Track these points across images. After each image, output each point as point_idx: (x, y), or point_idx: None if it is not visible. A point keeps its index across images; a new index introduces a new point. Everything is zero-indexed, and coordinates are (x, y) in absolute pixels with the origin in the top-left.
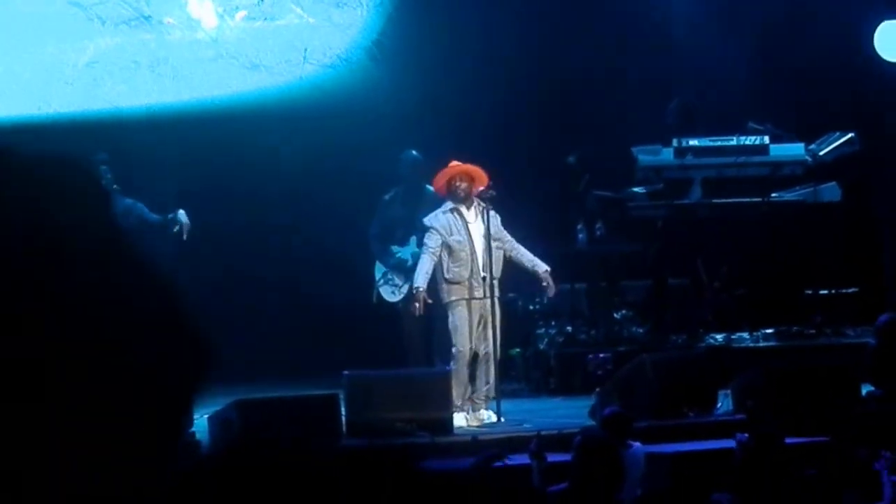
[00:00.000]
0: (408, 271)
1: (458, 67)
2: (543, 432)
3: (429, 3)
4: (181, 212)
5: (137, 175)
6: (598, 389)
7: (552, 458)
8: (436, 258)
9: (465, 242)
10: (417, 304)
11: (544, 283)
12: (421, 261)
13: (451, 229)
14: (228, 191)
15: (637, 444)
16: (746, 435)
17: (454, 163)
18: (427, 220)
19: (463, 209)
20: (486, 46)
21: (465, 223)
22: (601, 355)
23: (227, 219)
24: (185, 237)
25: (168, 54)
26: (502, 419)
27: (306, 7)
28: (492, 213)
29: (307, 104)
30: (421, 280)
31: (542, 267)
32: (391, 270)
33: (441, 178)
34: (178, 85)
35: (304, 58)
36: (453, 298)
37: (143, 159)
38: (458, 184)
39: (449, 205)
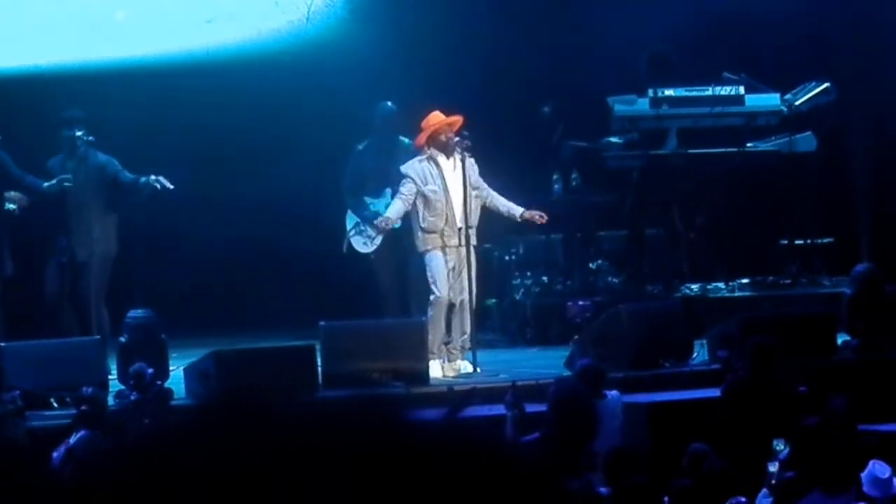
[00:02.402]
0: None
1: (432, 17)
2: (519, 383)
3: None
4: (160, 177)
5: (111, 129)
6: (575, 338)
7: (528, 408)
8: (408, 205)
9: (441, 192)
10: (378, 228)
11: (528, 218)
12: (393, 203)
13: (426, 178)
14: (201, 143)
15: (613, 393)
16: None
17: (436, 114)
18: (403, 168)
19: (441, 158)
20: None
21: (441, 172)
22: (581, 303)
23: (200, 171)
24: (169, 186)
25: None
26: (478, 369)
27: None
28: (470, 161)
29: (281, 54)
30: (392, 213)
31: (517, 210)
32: (364, 221)
33: (426, 133)
34: (151, 36)
35: (276, 4)
36: (429, 247)
37: (117, 113)
38: (444, 135)
39: (425, 154)
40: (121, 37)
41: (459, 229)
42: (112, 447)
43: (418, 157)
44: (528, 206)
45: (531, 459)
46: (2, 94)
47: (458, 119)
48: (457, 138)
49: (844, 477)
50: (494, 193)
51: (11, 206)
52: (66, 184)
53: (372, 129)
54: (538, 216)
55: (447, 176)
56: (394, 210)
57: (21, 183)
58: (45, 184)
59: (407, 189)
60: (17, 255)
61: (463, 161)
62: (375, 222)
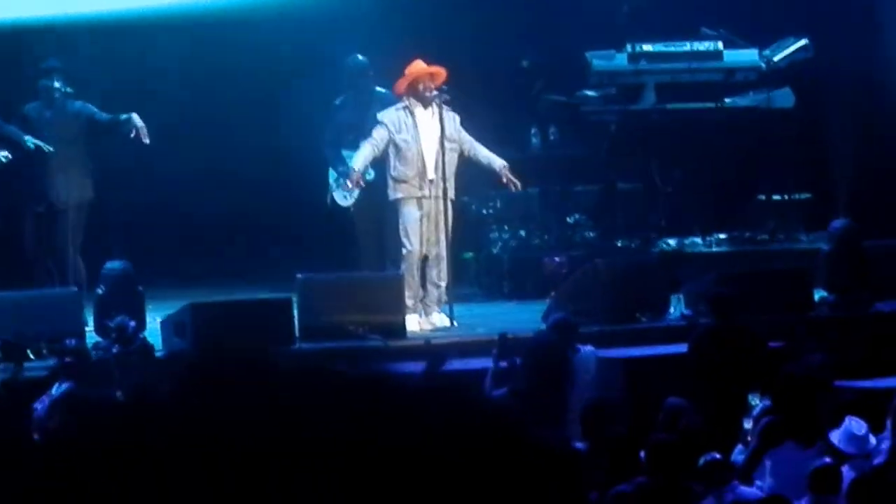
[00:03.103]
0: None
1: None
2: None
3: None
4: (134, 115)
5: (90, 83)
6: (552, 294)
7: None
8: (376, 150)
9: (412, 142)
10: (350, 183)
11: (504, 179)
12: (360, 148)
13: (399, 126)
14: (182, 96)
15: (587, 348)
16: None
17: (418, 63)
18: (379, 115)
19: (418, 108)
20: None
21: (416, 122)
22: (556, 259)
23: (181, 124)
24: (145, 140)
25: None
26: (455, 323)
27: None
28: (451, 113)
29: (262, 8)
30: (358, 163)
31: (497, 162)
32: (342, 175)
33: (405, 80)
34: None
35: None
36: (399, 196)
37: (97, 64)
38: (423, 84)
39: (403, 103)
40: None
41: (430, 181)
42: (102, 402)
43: (395, 106)
44: (505, 160)
45: (507, 414)
46: None
47: (439, 70)
48: (436, 91)
49: (816, 430)
50: (478, 144)
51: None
52: (48, 149)
53: (346, 84)
54: (512, 182)
55: (422, 127)
56: (360, 155)
57: (1, 131)
58: (28, 139)
59: (378, 134)
60: None
61: (441, 114)
62: (345, 180)
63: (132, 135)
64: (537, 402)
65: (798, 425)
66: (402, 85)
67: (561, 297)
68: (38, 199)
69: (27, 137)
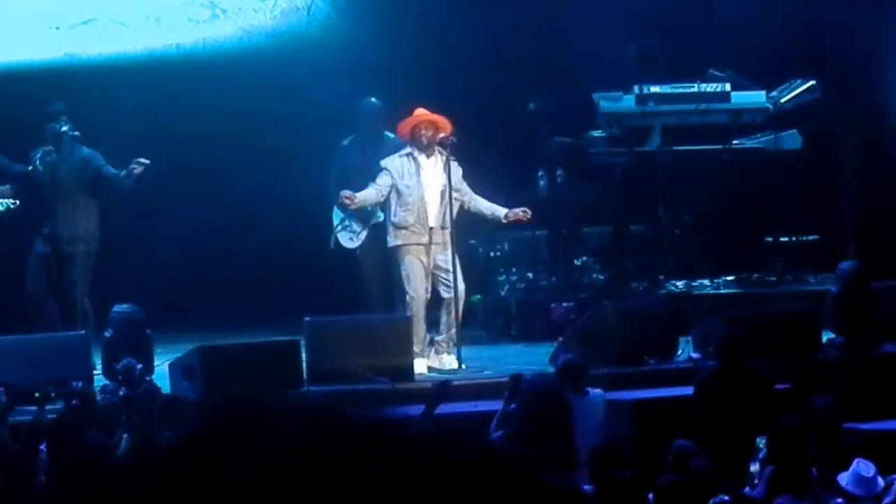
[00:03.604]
0: (365, 217)
1: (418, 14)
2: (504, 378)
3: None
4: (133, 163)
5: (96, 124)
6: (560, 339)
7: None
8: (380, 195)
9: (415, 188)
10: (343, 199)
11: (512, 218)
12: (366, 189)
13: (402, 173)
14: (187, 139)
15: (596, 391)
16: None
17: (420, 110)
18: (383, 161)
19: (421, 157)
20: None
21: (419, 169)
22: (564, 304)
23: (187, 166)
24: (141, 166)
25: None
26: (463, 366)
27: None
28: (454, 163)
29: (267, 51)
30: (360, 195)
31: (501, 211)
32: (349, 217)
33: (406, 125)
34: (138, 32)
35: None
36: (399, 243)
37: (102, 108)
38: (422, 132)
39: (406, 150)
40: (109, 33)
41: (431, 228)
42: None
43: (399, 152)
44: (512, 204)
45: (513, 457)
46: None
47: (440, 119)
48: (441, 138)
49: (808, 482)
50: (477, 197)
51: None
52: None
53: (356, 126)
54: (521, 212)
55: (424, 174)
56: (364, 194)
57: (7, 171)
58: (31, 167)
59: (382, 180)
60: (1, 249)
61: (448, 162)
62: (341, 193)
63: (135, 172)
64: (532, 445)
65: (792, 478)
66: (402, 130)
67: (569, 339)
68: (45, 243)
69: (31, 167)
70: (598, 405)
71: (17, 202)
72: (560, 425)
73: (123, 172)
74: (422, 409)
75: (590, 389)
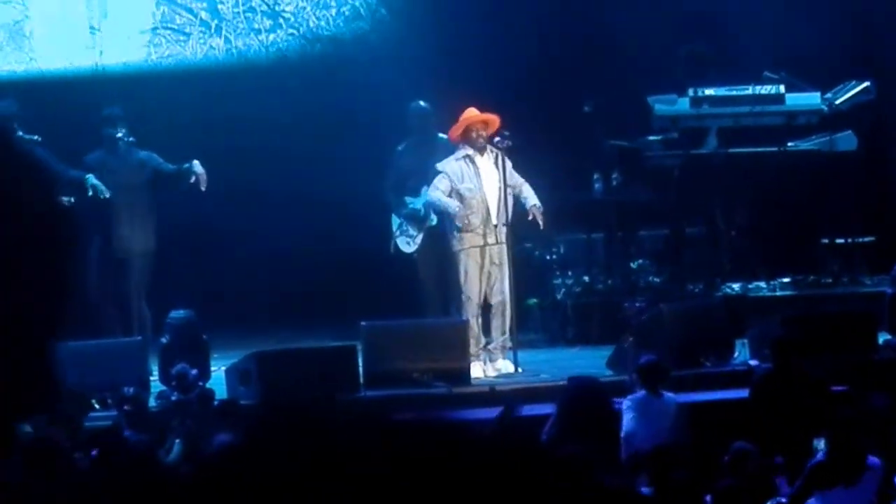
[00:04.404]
0: (420, 221)
1: (472, 14)
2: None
3: None
4: (195, 162)
5: (152, 129)
6: (630, 339)
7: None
8: (444, 197)
9: (477, 190)
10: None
11: (530, 217)
12: (431, 192)
13: (462, 176)
14: (246, 143)
15: (669, 395)
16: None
17: (471, 110)
18: (439, 165)
19: (476, 157)
20: None
21: (478, 170)
22: (637, 304)
23: (244, 171)
24: (203, 188)
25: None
26: (519, 369)
27: None
28: (503, 157)
29: (324, 54)
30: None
31: (530, 202)
32: (405, 221)
33: (458, 128)
34: (199, 40)
35: (314, 7)
36: (465, 246)
37: (159, 114)
38: (475, 132)
39: (461, 152)
40: (170, 41)
41: (495, 226)
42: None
43: (454, 156)
44: (568, 205)
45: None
46: (44, 94)
47: (491, 117)
48: (497, 138)
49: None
50: (524, 186)
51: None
52: (103, 194)
53: (408, 130)
54: (539, 218)
55: (483, 174)
56: (437, 194)
57: (64, 176)
58: (89, 177)
59: (442, 184)
60: (60, 254)
61: (502, 161)
62: (409, 226)
63: (192, 180)
64: (571, 448)
65: (848, 468)
66: (455, 132)
67: (626, 342)
68: (102, 249)
69: (88, 176)
70: (671, 408)
71: (73, 200)
72: (601, 428)
73: (186, 165)
74: (480, 412)
75: (664, 392)
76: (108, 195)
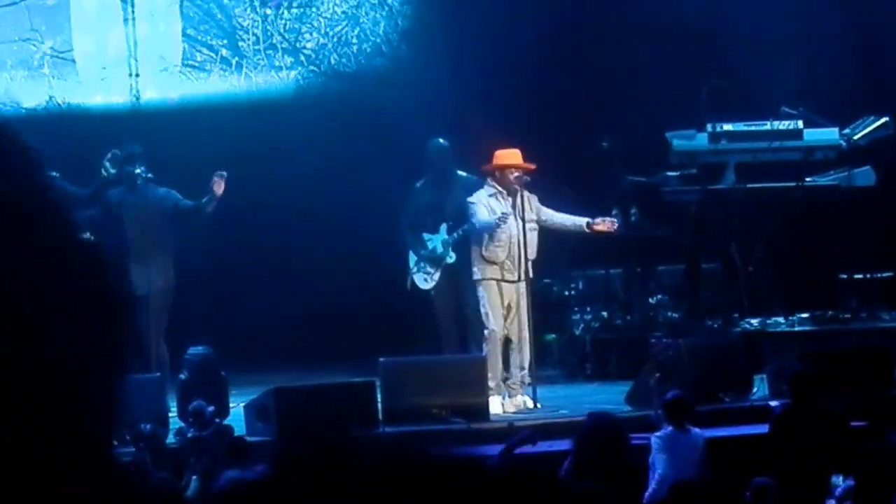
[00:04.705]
0: (438, 258)
1: (491, 52)
2: (579, 418)
3: None
4: (213, 188)
5: (172, 165)
6: (658, 375)
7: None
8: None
9: (509, 226)
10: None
11: (597, 227)
12: (475, 217)
13: (493, 209)
14: (263, 178)
15: (696, 430)
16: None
17: (516, 154)
18: (471, 198)
19: (504, 193)
20: (521, 31)
21: (507, 207)
22: (665, 340)
23: (263, 206)
24: (218, 191)
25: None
26: (538, 405)
27: None
28: (526, 193)
29: (342, 92)
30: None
31: (583, 220)
32: (422, 258)
33: (498, 165)
34: (219, 76)
35: (335, 44)
36: (487, 276)
37: (179, 150)
38: (511, 174)
39: (491, 189)
40: (190, 78)
41: (518, 265)
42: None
43: (485, 190)
44: (586, 241)
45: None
46: (63, 129)
47: (531, 167)
48: (515, 174)
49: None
50: (557, 214)
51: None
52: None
53: (427, 167)
54: (609, 222)
55: (513, 212)
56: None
57: (85, 199)
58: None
59: (481, 213)
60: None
61: (521, 197)
62: (426, 263)
63: (215, 188)
64: (588, 484)
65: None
66: (494, 167)
67: (644, 377)
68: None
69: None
70: (699, 443)
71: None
72: (619, 463)
73: (205, 199)
74: (495, 449)
75: (691, 427)
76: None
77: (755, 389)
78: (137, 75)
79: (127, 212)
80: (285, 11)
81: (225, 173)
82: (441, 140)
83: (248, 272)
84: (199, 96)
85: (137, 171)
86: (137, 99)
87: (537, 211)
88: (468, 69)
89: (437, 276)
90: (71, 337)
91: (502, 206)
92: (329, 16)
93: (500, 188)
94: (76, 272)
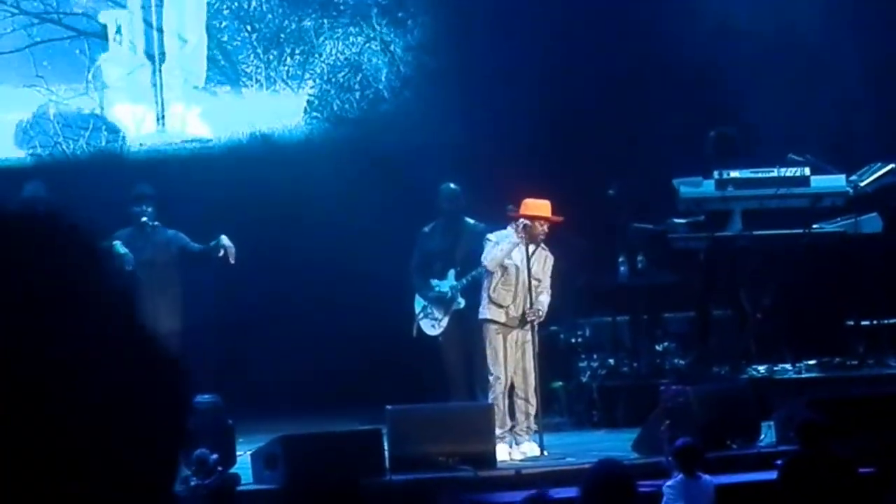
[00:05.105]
0: (447, 304)
1: (498, 96)
2: (586, 465)
3: (464, 36)
4: (223, 237)
5: (179, 209)
6: (668, 422)
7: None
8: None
9: (521, 272)
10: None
11: (529, 318)
12: (493, 253)
13: (511, 253)
14: (269, 224)
15: (707, 477)
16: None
17: (546, 205)
18: (491, 235)
19: (528, 245)
20: (525, 77)
21: (524, 255)
22: (674, 387)
23: (268, 253)
24: (232, 261)
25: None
26: (545, 452)
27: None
28: (546, 252)
29: (346, 138)
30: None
31: (536, 305)
32: (430, 304)
33: (528, 214)
34: (217, 116)
35: (337, 90)
36: (491, 317)
37: (187, 193)
38: (539, 225)
39: (516, 238)
40: (195, 123)
41: (524, 312)
42: None
43: (509, 238)
44: (594, 288)
45: None
46: (69, 177)
47: (559, 220)
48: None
49: None
50: (546, 293)
51: None
52: (128, 266)
53: (437, 212)
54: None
55: (528, 261)
56: (497, 255)
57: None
58: (116, 244)
59: (495, 251)
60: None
61: (537, 250)
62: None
63: (220, 254)
64: None
65: None
66: (521, 215)
67: (652, 424)
68: None
69: (115, 243)
70: (709, 491)
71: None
72: None
73: (213, 243)
74: (502, 497)
75: (701, 474)
76: (132, 267)
77: (763, 436)
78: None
79: (135, 254)
80: (288, 58)
81: (232, 247)
82: (452, 185)
83: (256, 319)
84: (204, 140)
85: (146, 212)
86: (143, 145)
87: (546, 272)
88: (474, 115)
89: (444, 322)
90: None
91: (520, 250)
92: (332, 62)
93: (524, 236)
94: (143, 361)
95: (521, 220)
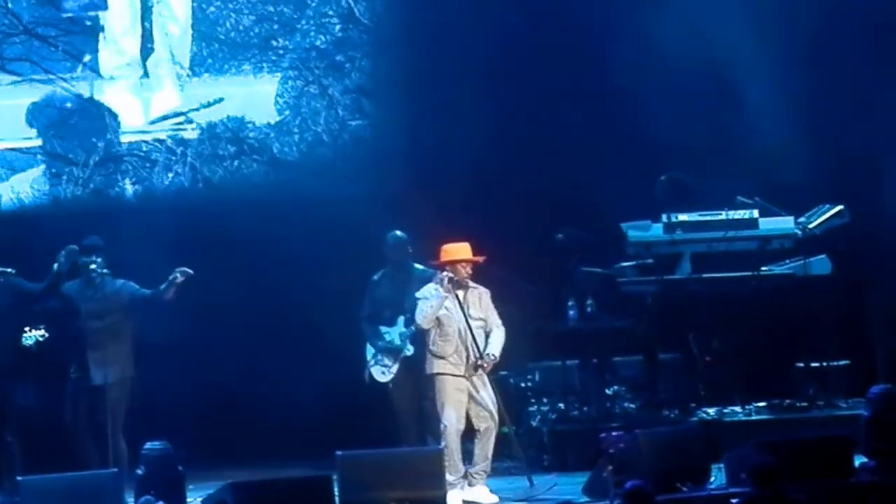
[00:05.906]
0: (396, 352)
1: (444, 143)
2: None
3: (413, 82)
4: (176, 271)
5: (126, 256)
6: (611, 468)
7: None
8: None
9: (454, 320)
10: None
11: (480, 363)
12: (424, 308)
13: (443, 305)
14: (216, 274)
15: None
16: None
17: (466, 248)
18: (419, 293)
19: (458, 290)
20: (469, 122)
21: (456, 301)
22: (615, 433)
23: (219, 301)
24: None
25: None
26: (497, 497)
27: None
28: (480, 289)
29: (286, 182)
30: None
31: (489, 349)
32: (380, 352)
33: (448, 259)
34: (164, 167)
35: (277, 133)
36: (436, 371)
37: (133, 240)
38: (464, 268)
39: (441, 290)
40: (136, 170)
41: (468, 359)
42: None
43: (437, 292)
44: (543, 333)
45: None
46: (19, 226)
47: (479, 260)
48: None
49: None
50: (496, 328)
51: (30, 343)
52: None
53: (385, 260)
54: (483, 365)
55: (460, 306)
56: (428, 312)
57: (39, 293)
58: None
59: (426, 305)
60: (36, 384)
61: (475, 293)
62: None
63: (179, 281)
64: None
65: None
66: (443, 262)
67: (602, 468)
68: (77, 377)
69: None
70: None
71: (46, 335)
72: None
73: (163, 286)
74: None
75: None
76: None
77: (713, 478)
78: (85, 166)
79: (84, 304)
80: (227, 102)
81: (190, 271)
82: (398, 232)
83: (205, 367)
84: (147, 186)
85: (92, 267)
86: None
87: (485, 308)
88: (419, 162)
89: (394, 368)
90: None
91: (451, 298)
92: (270, 104)
93: (450, 288)
94: None
95: (444, 272)
